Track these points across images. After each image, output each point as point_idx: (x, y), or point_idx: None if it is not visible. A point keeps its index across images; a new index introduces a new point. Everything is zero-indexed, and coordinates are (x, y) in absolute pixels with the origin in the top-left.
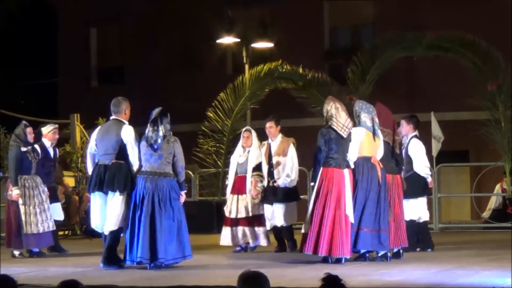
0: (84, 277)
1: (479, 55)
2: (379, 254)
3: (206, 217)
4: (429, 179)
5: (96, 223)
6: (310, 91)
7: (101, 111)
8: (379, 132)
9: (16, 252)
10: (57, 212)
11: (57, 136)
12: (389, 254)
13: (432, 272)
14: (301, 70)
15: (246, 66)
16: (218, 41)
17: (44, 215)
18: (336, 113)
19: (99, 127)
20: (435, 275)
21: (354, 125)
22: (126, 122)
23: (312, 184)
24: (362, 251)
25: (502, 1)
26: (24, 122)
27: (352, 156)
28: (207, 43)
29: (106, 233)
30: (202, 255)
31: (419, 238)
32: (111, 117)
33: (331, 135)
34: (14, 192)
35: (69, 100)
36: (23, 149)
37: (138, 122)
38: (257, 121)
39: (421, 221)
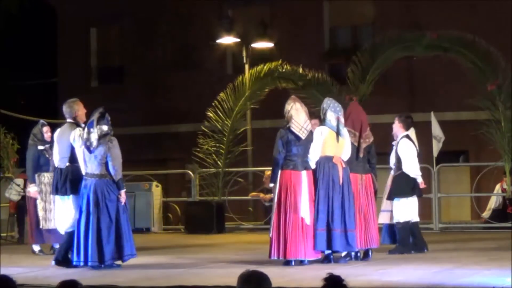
0: (84, 277)
1: (479, 55)
2: (343, 255)
3: (206, 217)
4: (419, 180)
5: (58, 225)
6: (310, 91)
7: None
8: (343, 132)
9: (36, 249)
10: None
11: None
12: (353, 254)
13: (432, 272)
14: (301, 70)
15: (246, 66)
16: (218, 41)
17: None
18: (295, 114)
19: (57, 130)
20: (435, 275)
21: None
22: (81, 124)
23: (271, 185)
24: (327, 252)
25: (502, 1)
26: (41, 121)
27: (313, 155)
28: (207, 43)
29: (62, 233)
30: (202, 255)
31: (413, 240)
32: (67, 121)
33: (288, 137)
34: (31, 189)
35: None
36: (40, 147)
37: (139, 122)
38: (257, 121)
39: (412, 221)
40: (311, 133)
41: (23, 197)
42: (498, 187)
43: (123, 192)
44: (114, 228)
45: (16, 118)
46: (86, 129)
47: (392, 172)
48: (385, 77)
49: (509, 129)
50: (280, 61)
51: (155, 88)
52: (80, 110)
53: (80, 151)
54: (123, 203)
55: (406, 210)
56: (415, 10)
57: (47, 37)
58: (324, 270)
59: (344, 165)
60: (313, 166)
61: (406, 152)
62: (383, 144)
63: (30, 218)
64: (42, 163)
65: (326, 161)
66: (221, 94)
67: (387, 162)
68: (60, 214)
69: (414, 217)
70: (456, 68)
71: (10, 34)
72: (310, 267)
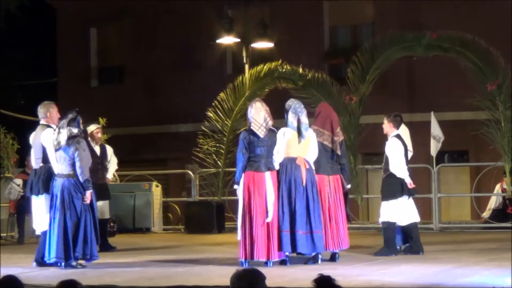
0: (84, 277)
1: (479, 55)
2: (311, 255)
3: (206, 217)
4: (407, 180)
5: (35, 225)
6: (310, 91)
7: (101, 111)
8: (306, 133)
9: None
10: (103, 211)
11: (99, 135)
12: (320, 256)
13: (432, 272)
14: (301, 70)
15: (246, 66)
16: (218, 41)
17: None
18: (255, 113)
19: (32, 133)
20: (435, 275)
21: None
22: (53, 125)
23: (235, 187)
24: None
25: (502, 1)
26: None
27: (277, 157)
28: (207, 43)
29: (38, 233)
30: (202, 255)
31: (409, 241)
32: (40, 122)
33: (250, 137)
34: None
35: (69, 100)
36: None
37: (139, 122)
38: None
39: (403, 224)
40: (274, 134)
41: (23, 197)
42: (498, 187)
43: (88, 193)
44: (82, 226)
45: (16, 118)
46: (57, 129)
47: (382, 173)
48: (385, 77)
49: (509, 129)
50: (280, 61)
51: (155, 88)
52: (54, 113)
53: (51, 151)
54: (87, 203)
55: (392, 211)
56: (415, 10)
57: (47, 37)
58: (325, 271)
59: (307, 166)
60: (277, 167)
61: (392, 152)
62: (383, 144)
63: None
64: None
65: (289, 162)
66: (221, 94)
67: None
68: (35, 214)
69: (407, 219)
70: (456, 68)
71: (10, 33)
72: (311, 267)
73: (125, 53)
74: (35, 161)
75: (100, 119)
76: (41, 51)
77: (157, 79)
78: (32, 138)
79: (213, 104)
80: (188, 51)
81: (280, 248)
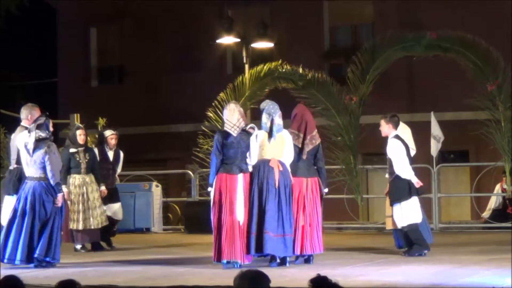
0: (84, 277)
1: (479, 55)
2: (280, 258)
3: (206, 217)
4: (414, 180)
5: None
6: (310, 91)
7: (101, 111)
8: (276, 134)
9: (78, 246)
10: (116, 211)
11: (113, 142)
12: (288, 259)
13: (432, 272)
14: (301, 70)
15: (246, 66)
16: (218, 41)
17: (88, 212)
18: (228, 114)
19: (13, 133)
20: (435, 275)
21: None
22: (30, 127)
23: (209, 189)
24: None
25: (502, 1)
26: (77, 124)
27: (251, 160)
28: (207, 43)
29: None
30: (202, 255)
31: (415, 242)
32: (20, 124)
33: (223, 140)
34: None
35: (69, 100)
36: (72, 150)
37: (139, 122)
38: (257, 121)
39: (411, 223)
40: (249, 136)
41: None
42: (498, 187)
43: (60, 195)
44: (49, 228)
45: (16, 118)
46: (27, 133)
47: (387, 176)
48: (385, 77)
49: (509, 129)
50: (280, 61)
51: (155, 88)
52: (35, 116)
53: (23, 154)
54: (59, 206)
55: (409, 213)
56: (415, 10)
57: (47, 37)
58: (325, 271)
59: (281, 168)
60: (250, 170)
61: (395, 153)
62: (383, 145)
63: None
64: (73, 165)
65: (262, 164)
66: (221, 94)
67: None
68: (5, 212)
69: (419, 217)
70: (456, 68)
71: (10, 33)
72: (312, 267)
73: (125, 53)
74: (11, 162)
75: (100, 119)
76: (41, 51)
77: (157, 79)
78: (12, 139)
79: (213, 104)
80: (188, 51)
81: (247, 250)
